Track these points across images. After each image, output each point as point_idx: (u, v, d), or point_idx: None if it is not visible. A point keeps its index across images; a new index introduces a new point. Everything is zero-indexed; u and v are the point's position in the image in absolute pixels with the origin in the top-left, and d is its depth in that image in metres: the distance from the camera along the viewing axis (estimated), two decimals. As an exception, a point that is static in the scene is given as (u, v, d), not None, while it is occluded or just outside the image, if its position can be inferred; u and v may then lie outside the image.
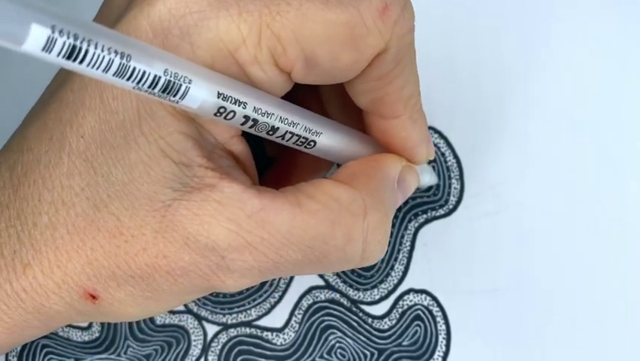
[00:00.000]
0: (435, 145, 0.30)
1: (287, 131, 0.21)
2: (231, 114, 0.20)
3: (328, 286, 0.29)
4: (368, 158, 0.24)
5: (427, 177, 0.28)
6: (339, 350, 0.28)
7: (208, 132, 0.21)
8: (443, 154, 0.30)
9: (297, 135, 0.22)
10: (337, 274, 0.29)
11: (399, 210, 0.29)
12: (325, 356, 0.28)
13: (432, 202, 0.30)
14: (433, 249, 0.29)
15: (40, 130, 0.22)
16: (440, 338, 0.28)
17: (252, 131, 0.21)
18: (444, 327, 0.28)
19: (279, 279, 0.29)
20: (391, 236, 0.29)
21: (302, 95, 0.24)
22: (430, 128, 0.30)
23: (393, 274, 0.29)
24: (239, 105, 0.20)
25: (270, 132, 0.21)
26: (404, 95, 0.23)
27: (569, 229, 0.29)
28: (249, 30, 0.20)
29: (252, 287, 0.28)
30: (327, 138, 0.23)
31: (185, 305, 0.28)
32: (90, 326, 0.28)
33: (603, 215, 0.30)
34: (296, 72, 0.21)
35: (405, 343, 0.28)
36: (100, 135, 0.21)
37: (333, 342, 0.28)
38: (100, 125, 0.21)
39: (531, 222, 0.29)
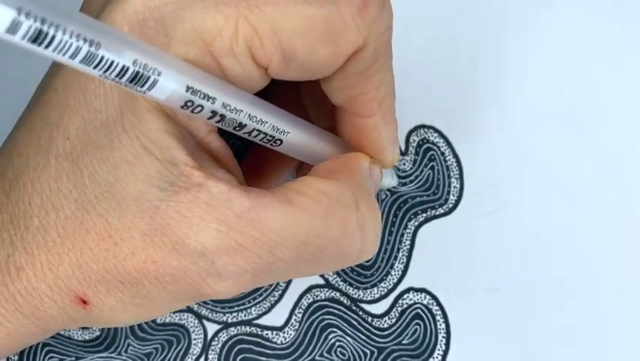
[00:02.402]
0: (434, 144, 0.30)
1: (254, 128, 0.21)
2: (199, 108, 0.19)
3: (328, 284, 0.29)
4: (341, 156, 0.24)
5: (389, 179, 0.28)
6: (339, 349, 0.28)
7: (186, 130, 0.21)
8: (443, 153, 0.30)
9: (264, 133, 0.22)
10: (337, 273, 0.29)
11: (398, 209, 0.29)
12: (325, 354, 0.28)
13: (432, 201, 0.30)
14: (432, 248, 0.29)
15: (29, 133, 0.22)
16: (440, 337, 0.28)
17: (218, 125, 0.21)
18: (443, 326, 0.28)
19: (279, 278, 0.29)
20: (391, 235, 0.29)
21: (282, 94, 0.24)
22: (430, 127, 0.30)
23: (393, 272, 0.29)
24: (208, 100, 0.19)
25: (237, 128, 0.21)
26: (379, 95, 0.23)
27: (569, 228, 0.29)
28: (224, 21, 0.19)
29: (252, 286, 0.29)
30: (295, 137, 0.23)
31: (186, 304, 0.28)
32: (91, 324, 0.28)
33: (602, 213, 0.29)
34: (273, 66, 0.20)
35: (405, 341, 0.28)
36: (85, 136, 0.21)
37: (333, 341, 0.28)
38: (85, 126, 0.21)
39: (531, 221, 0.29)
